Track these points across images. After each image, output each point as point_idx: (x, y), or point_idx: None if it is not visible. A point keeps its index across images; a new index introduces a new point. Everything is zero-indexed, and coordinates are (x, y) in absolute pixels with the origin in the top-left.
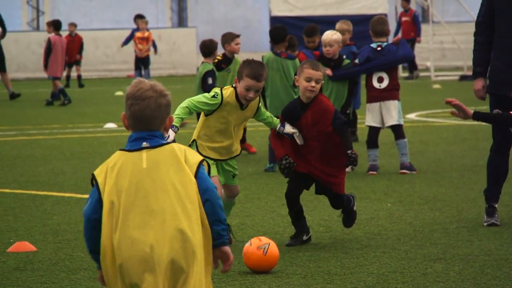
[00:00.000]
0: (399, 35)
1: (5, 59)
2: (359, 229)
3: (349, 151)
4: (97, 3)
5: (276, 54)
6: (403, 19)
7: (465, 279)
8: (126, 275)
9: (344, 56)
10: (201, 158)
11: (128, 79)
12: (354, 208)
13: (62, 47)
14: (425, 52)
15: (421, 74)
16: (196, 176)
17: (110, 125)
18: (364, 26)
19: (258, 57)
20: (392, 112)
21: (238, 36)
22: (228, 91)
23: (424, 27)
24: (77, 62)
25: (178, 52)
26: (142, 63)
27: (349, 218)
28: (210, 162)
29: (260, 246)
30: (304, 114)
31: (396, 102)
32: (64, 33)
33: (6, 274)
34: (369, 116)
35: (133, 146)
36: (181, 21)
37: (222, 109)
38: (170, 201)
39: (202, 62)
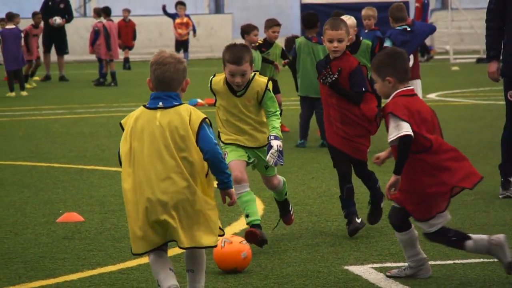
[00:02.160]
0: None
1: (66, 45)
2: (384, 202)
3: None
4: None
5: (308, 39)
6: (416, 5)
7: None
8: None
9: (361, 38)
10: (203, 116)
11: None
12: (382, 205)
13: (115, 31)
14: (444, 36)
15: (441, 57)
16: (198, 134)
17: None
18: (386, 12)
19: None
20: (418, 90)
21: (277, 24)
22: (219, 77)
23: (443, 13)
24: (129, 47)
25: (215, 36)
26: (182, 46)
27: (375, 213)
28: (229, 148)
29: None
30: (328, 67)
31: (419, 80)
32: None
33: (56, 243)
34: None
35: (151, 104)
36: (218, 8)
37: (218, 97)
38: (171, 156)
39: None
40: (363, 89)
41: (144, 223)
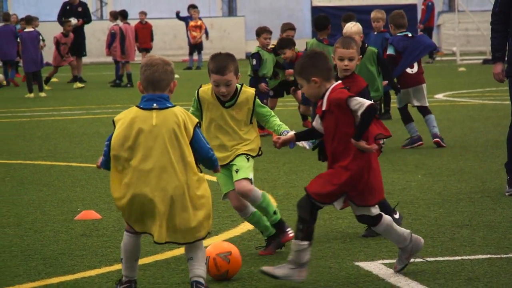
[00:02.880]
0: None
1: (84, 47)
2: (393, 198)
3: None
4: None
5: (319, 40)
6: (421, 7)
7: (489, 244)
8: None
9: (366, 45)
10: (196, 120)
11: (183, 63)
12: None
13: (132, 34)
14: (451, 38)
15: (448, 58)
16: (192, 138)
17: None
18: None
19: (301, 44)
20: (422, 95)
21: (291, 28)
22: (206, 87)
23: (450, 16)
24: (147, 49)
25: (228, 38)
26: (196, 49)
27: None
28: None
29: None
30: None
31: (424, 85)
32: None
33: (74, 240)
34: (400, 99)
35: (146, 105)
36: (231, 11)
37: (204, 108)
38: (167, 154)
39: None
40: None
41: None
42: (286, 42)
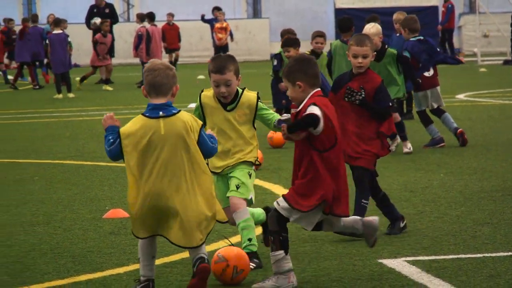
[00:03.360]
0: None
1: (113, 49)
2: (416, 197)
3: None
4: None
5: (343, 42)
6: (442, 9)
7: (510, 241)
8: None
9: (386, 46)
10: (201, 123)
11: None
12: (402, 224)
13: (158, 36)
14: (472, 39)
15: (469, 59)
16: (198, 140)
17: (193, 105)
18: (418, 16)
19: (326, 45)
20: (438, 96)
21: (319, 35)
22: (208, 92)
23: (471, 17)
24: (175, 49)
25: (253, 40)
26: (221, 50)
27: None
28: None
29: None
30: (351, 82)
31: (439, 87)
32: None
33: (102, 238)
34: (419, 102)
35: (152, 113)
36: (255, 13)
37: (207, 113)
38: (180, 160)
39: None
40: (390, 104)
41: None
42: (291, 41)
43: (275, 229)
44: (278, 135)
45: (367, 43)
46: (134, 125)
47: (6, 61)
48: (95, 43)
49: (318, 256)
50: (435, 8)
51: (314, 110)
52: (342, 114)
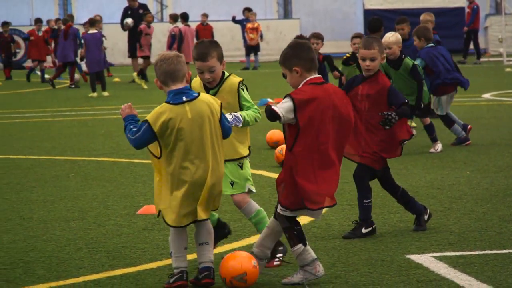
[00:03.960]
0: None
1: (137, 47)
2: (442, 194)
3: (389, 112)
4: None
5: None
6: (467, 10)
7: None
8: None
9: (403, 56)
10: (219, 101)
11: (241, 64)
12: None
13: (191, 36)
14: (498, 40)
15: (495, 59)
16: (220, 118)
17: None
18: (445, 17)
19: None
20: (452, 100)
21: (356, 36)
22: (197, 78)
23: (497, 18)
24: None
25: (283, 40)
26: (252, 50)
27: (419, 220)
28: None
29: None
30: (361, 84)
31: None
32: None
33: (136, 234)
34: (442, 106)
35: (175, 100)
36: (286, 13)
37: None
38: (209, 141)
39: None
40: (405, 100)
41: (191, 202)
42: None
43: (286, 226)
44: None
45: (374, 46)
46: (162, 113)
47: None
48: (139, 33)
49: (348, 251)
50: (461, 9)
51: (283, 105)
52: (354, 115)
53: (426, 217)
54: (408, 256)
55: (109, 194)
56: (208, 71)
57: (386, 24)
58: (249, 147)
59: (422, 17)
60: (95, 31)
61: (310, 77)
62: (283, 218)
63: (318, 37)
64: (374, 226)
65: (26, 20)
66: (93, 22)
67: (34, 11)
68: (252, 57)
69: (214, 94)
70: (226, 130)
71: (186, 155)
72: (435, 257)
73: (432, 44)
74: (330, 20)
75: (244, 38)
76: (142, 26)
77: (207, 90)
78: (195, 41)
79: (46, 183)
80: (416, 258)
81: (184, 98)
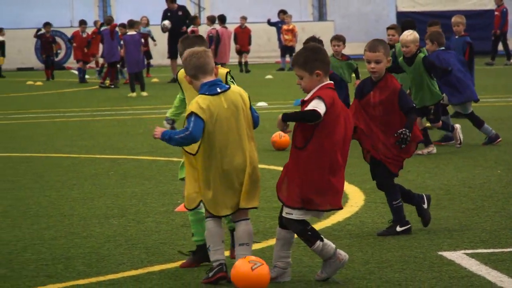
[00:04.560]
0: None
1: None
2: (474, 192)
3: (401, 130)
4: (250, 0)
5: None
6: (496, 13)
7: None
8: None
9: (419, 51)
10: (247, 94)
11: (276, 65)
12: (424, 206)
13: (228, 37)
14: None
15: None
16: (250, 106)
17: (261, 104)
18: (474, 19)
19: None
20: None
21: (391, 28)
22: (182, 71)
23: None
24: (246, 51)
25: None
26: (288, 51)
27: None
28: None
29: (252, 261)
30: (372, 91)
31: None
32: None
33: (175, 230)
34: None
35: (211, 91)
36: (321, 16)
37: (184, 90)
38: (244, 129)
39: None
40: (413, 104)
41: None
42: (313, 41)
43: (299, 229)
44: (281, 140)
45: (379, 48)
46: (202, 103)
47: (101, 60)
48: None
49: (381, 248)
50: (490, 12)
51: (320, 106)
52: (370, 120)
53: (425, 205)
54: (440, 253)
55: (148, 191)
56: None
57: (418, 26)
58: None
59: (453, 20)
60: (134, 32)
61: (327, 82)
62: (293, 223)
63: (340, 39)
64: (409, 226)
65: (66, 22)
66: (132, 24)
67: (74, 13)
68: (287, 58)
69: None
70: (255, 120)
71: (225, 143)
72: (467, 254)
73: (443, 48)
74: (364, 22)
75: (279, 39)
76: (195, 28)
77: None
78: (232, 42)
79: (86, 181)
80: (448, 255)
81: (218, 89)
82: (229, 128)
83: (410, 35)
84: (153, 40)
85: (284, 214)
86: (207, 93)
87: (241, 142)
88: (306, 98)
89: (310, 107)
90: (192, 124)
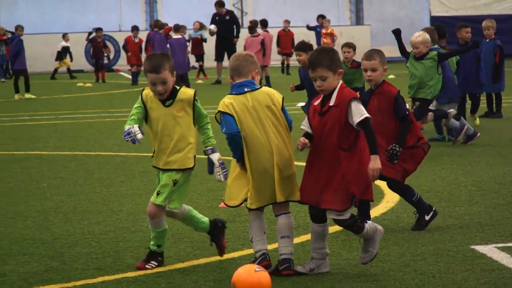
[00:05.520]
0: None
1: (224, 51)
2: (505, 189)
3: (392, 146)
4: (291, 6)
5: (441, 47)
6: None
7: None
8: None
9: (429, 50)
10: (282, 95)
11: None
12: (426, 218)
13: (269, 41)
14: None
15: None
16: (282, 109)
17: (301, 104)
18: (505, 23)
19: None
20: None
21: (344, 45)
22: (148, 90)
23: None
24: (288, 54)
25: (356, 45)
26: None
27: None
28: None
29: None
30: (371, 98)
31: None
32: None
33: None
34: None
35: (238, 91)
36: (358, 20)
37: (150, 110)
38: (271, 124)
39: None
40: (406, 112)
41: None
42: (304, 46)
43: (349, 223)
44: None
45: (375, 57)
46: (227, 101)
47: None
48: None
49: (416, 242)
50: None
51: (363, 109)
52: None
53: (428, 217)
54: (472, 246)
55: (193, 188)
56: (161, 83)
57: (450, 30)
58: (194, 156)
59: (483, 24)
60: (180, 36)
61: (341, 82)
62: (344, 221)
63: (350, 46)
64: (434, 209)
65: (115, 27)
66: (178, 28)
67: (122, 18)
68: None
69: (170, 105)
70: (289, 123)
71: (250, 139)
72: (498, 247)
73: (436, 46)
74: (398, 26)
75: (318, 43)
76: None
77: (163, 102)
78: (274, 46)
79: (134, 178)
80: (480, 248)
81: (245, 89)
82: (253, 123)
83: (419, 36)
84: (205, 41)
85: (334, 217)
86: (234, 93)
87: (267, 137)
88: (331, 103)
89: (356, 113)
90: (223, 123)
